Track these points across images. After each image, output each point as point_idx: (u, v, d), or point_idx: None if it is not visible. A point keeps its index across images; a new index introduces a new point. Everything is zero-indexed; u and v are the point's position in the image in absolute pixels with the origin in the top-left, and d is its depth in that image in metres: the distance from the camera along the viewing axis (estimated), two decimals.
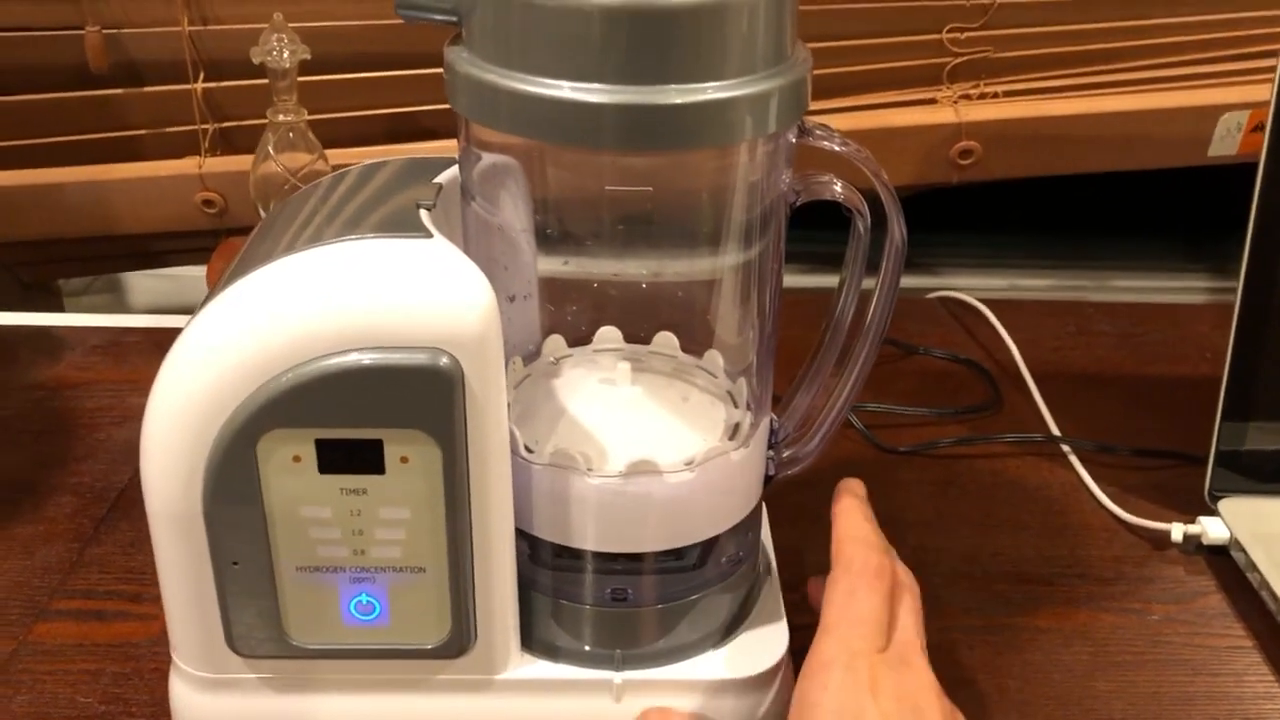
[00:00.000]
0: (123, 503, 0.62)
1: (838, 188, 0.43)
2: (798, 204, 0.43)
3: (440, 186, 0.44)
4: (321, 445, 0.40)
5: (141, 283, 1.11)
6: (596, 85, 0.36)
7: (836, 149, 0.42)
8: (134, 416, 0.70)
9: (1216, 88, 0.88)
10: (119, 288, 1.12)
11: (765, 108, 0.38)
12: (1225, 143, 0.88)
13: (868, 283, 0.47)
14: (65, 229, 0.90)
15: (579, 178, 0.43)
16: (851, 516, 0.45)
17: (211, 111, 0.87)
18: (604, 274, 0.48)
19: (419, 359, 0.38)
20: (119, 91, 0.86)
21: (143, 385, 0.41)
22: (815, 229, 0.64)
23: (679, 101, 0.36)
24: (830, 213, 0.46)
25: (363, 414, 0.39)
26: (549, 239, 0.46)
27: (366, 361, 0.38)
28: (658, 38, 0.36)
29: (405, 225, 0.41)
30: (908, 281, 0.47)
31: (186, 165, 0.87)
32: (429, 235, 0.40)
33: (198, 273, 0.97)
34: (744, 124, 0.38)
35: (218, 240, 0.90)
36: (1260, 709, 0.51)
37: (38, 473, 0.65)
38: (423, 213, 0.42)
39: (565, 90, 0.36)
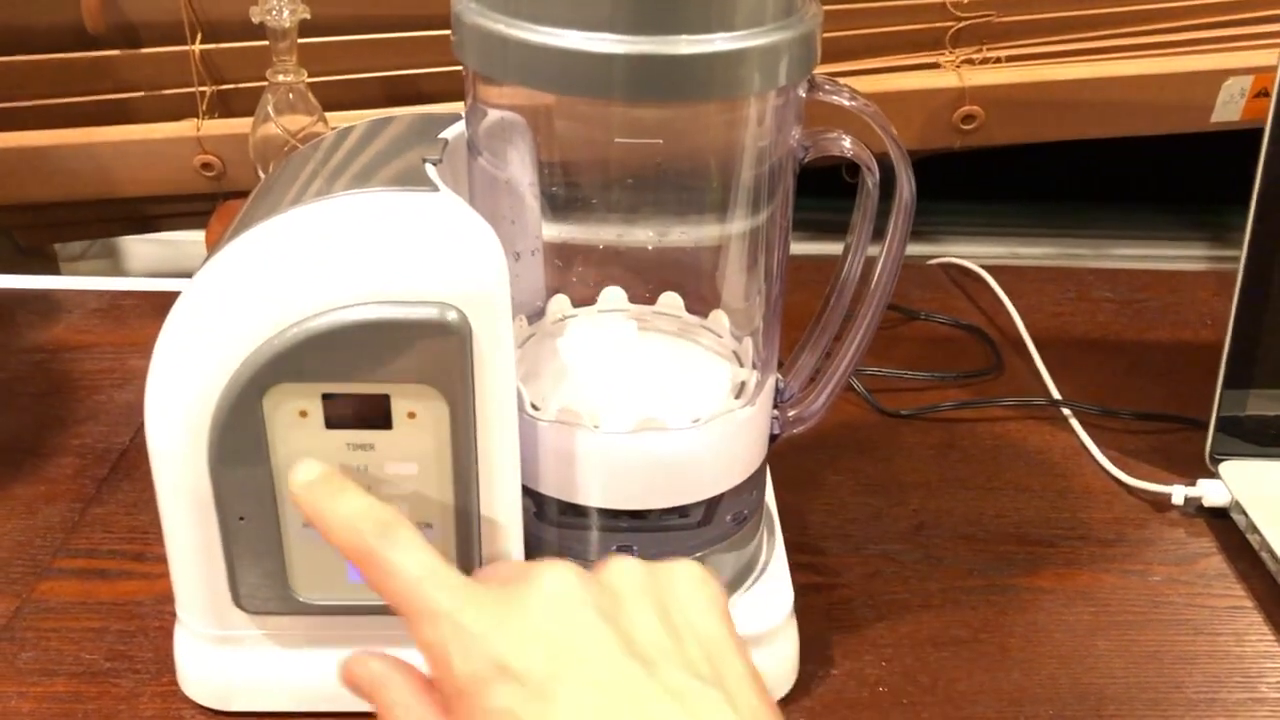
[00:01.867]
0: (124, 464, 0.62)
1: (846, 143, 0.43)
2: (806, 160, 0.43)
3: (446, 142, 0.44)
4: (328, 400, 0.39)
5: (138, 248, 1.11)
6: (606, 35, 0.36)
7: (846, 104, 0.42)
8: (134, 378, 0.70)
9: (1220, 53, 0.87)
10: (115, 253, 1.12)
11: (775, 60, 0.38)
12: (1228, 109, 0.88)
13: (873, 248, 0.47)
14: (61, 192, 0.89)
15: (587, 131, 0.42)
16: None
17: (209, 73, 0.86)
18: (610, 234, 0.48)
19: (427, 313, 0.38)
20: (116, 53, 0.85)
21: (143, 348, 0.41)
22: (819, 197, 0.64)
23: (689, 52, 0.36)
24: (834, 181, 0.46)
25: (370, 368, 0.39)
26: (555, 198, 0.45)
27: (374, 315, 0.38)
28: None
29: (412, 180, 0.41)
30: (909, 248, 0.47)
31: (184, 128, 0.87)
32: (435, 189, 0.40)
33: (194, 237, 0.96)
34: (754, 76, 0.38)
35: (215, 204, 0.89)
36: (1260, 668, 0.51)
37: (39, 434, 0.65)
38: (429, 167, 0.41)
39: (574, 40, 0.36)
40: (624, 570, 0.35)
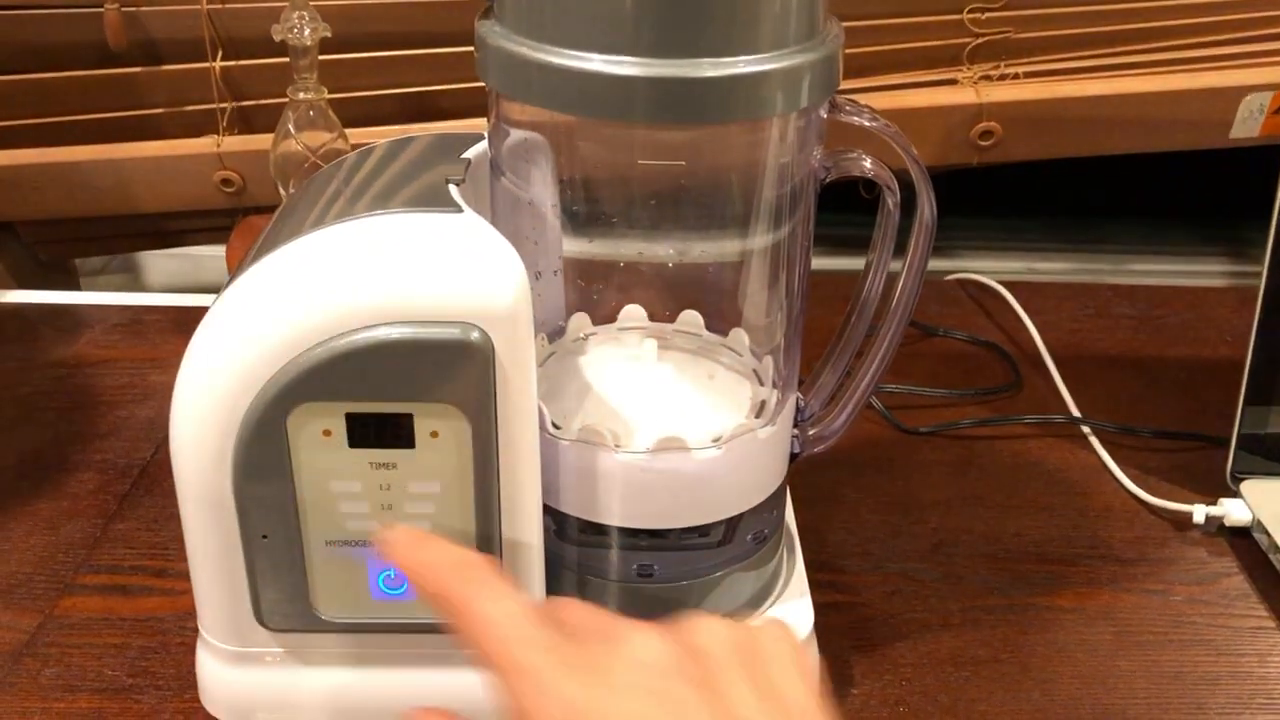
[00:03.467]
0: (145, 479, 0.63)
1: (867, 164, 0.43)
2: (827, 180, 0.43)
3: (469, 162, 0.44)
4: (352, 419, 0.40)
5: (158, 262, 1.12)
6: (628, 58, 0.36)
7: (866, 124, 0.42)
8: (155, 394, 0.71)
9: (1239, 69, 0.87)
10: (135, 267, 1.12)
11: (798, 82, 0.38)
12: (1247, 125, 0.87)
13: (894, 265, 0.47)
14: (83, 208, 0.90)
15: (610, 152, 0.43)
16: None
17: (230, 90, 0.87)
18: (631, 252, 0.48)
19: (451, 333, 0.38)
20: (138, 70, 0.86)
21: (163, 363, 0.41)
22: (840, 212, 0.64)
23: (711, 74, 0.36)
24: (854, 196, 0.46)
25: (393, 388, 0.39)
26: (577, 216, 0.46)
27: (398, 335, 0.38)
28: (691, 10, 0.36)
29: (435, 200, 0.41)
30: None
31: (205, 144, 0.87)
32: (459, 210, 0.40)
33: (214, 252, 0.97)
34: (776, 98, 0.38)
35: (235, 220, 0.90)
36: None
37: (61, 450, 0.65)
38: (452, 188, 0.42)
39: (597, 63, 0.36)
40: (710, 632, 0.34)
